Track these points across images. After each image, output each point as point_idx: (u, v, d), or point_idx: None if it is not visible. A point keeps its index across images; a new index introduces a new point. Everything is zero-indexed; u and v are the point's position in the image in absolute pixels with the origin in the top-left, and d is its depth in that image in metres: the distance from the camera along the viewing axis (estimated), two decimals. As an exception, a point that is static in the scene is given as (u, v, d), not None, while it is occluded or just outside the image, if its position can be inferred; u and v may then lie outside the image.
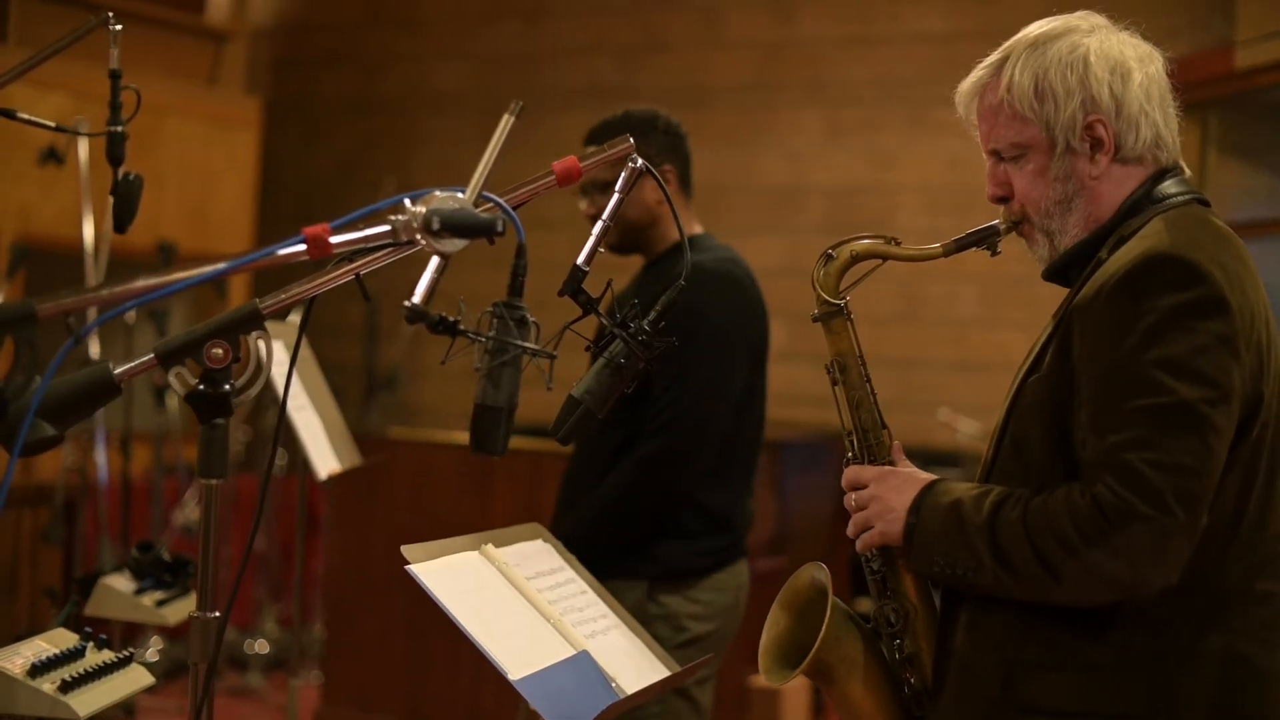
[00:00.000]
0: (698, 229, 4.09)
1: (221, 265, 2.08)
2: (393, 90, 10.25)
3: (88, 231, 6.52)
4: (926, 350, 8.26)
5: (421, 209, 2.07)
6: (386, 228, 2.10)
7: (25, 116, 3.32)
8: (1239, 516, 2.29)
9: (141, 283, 2.03)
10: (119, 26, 3.26)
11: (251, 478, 7.93)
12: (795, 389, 8.52)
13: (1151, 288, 2.24)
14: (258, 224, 9.36)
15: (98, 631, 2.98)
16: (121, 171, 3.33)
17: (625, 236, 3.96)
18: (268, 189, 9.72)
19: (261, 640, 7.61)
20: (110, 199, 3.34)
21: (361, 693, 5.95)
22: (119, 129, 3.32)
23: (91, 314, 2.39)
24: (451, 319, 2.12)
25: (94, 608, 3.83)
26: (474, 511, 5.70)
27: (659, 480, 3.78)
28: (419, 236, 2.06)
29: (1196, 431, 2.19)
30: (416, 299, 2.10)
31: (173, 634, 7.06)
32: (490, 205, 2.15)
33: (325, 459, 4.50)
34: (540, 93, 9.64)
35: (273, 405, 6.87)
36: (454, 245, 2.09)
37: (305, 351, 4.88)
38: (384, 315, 9.24)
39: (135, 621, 4.04)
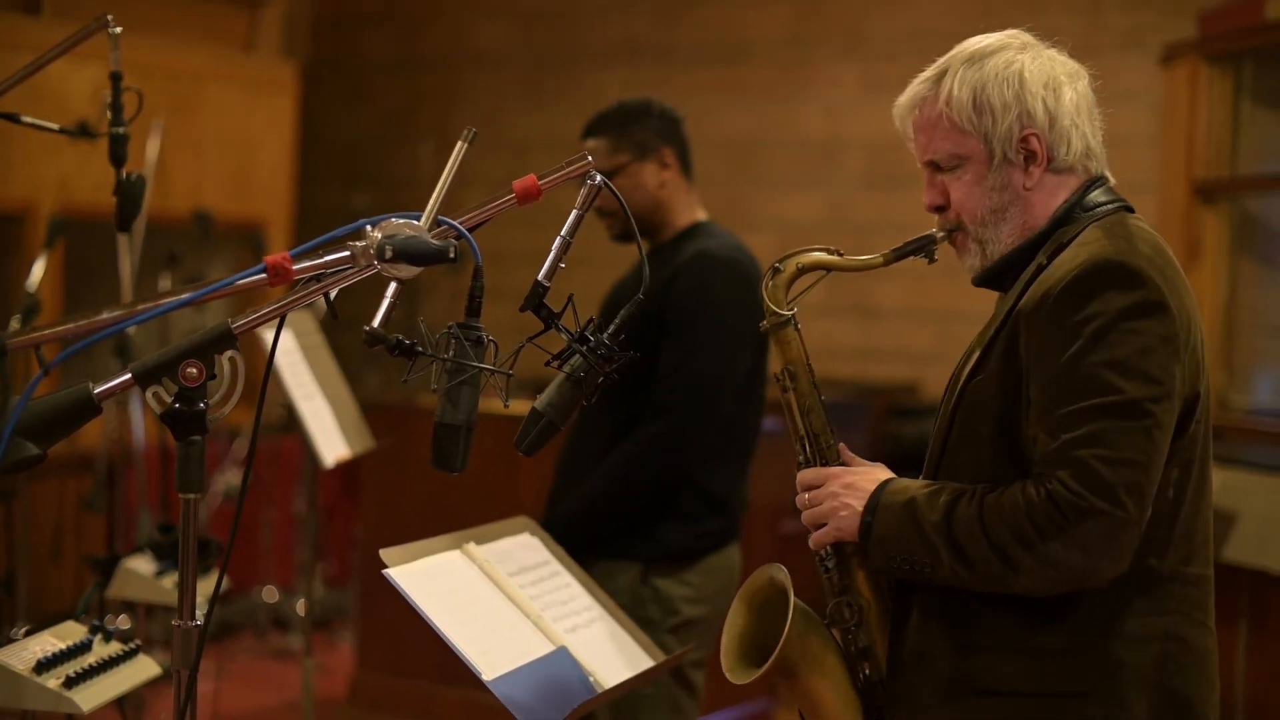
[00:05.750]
0: (701, 215, 4.08)
1: (185, 295, 2.15)
2: (434, 48, 10.29)
3: (123, 203, 6.59)
4: (966, 303, 8.25)
5: (378, 235, 2.15)
6: (346, 254, 2.18)
7: (29, 120, 3.41)
8: (1177, 506, 2.43)
9: (107, 315, 2.10)
10: (119, 30, 3.32)
11: (294, 439, 8.02)
12: (832, 343, 8.56)
13: (1096, 292, 2.35)
14: (299, 187, 9.43)
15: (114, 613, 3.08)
16: (124, 171, 3.41)
17: (630, 225, 3.90)
18: (311, 151, 9.80)
19: (303, 601, 7.72)
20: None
21: (395, 657, 6.06)
22: (120, 130, 3.40)
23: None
24: (409, 341, 2.19)
25: (116, 590, 3.94)
26: (503, 478, 5.77)
27: (660, 461, 3.81)
28: (375, 263, 2.14)
29: (1143, 428, 2.31)
30: (375, 323, 2.17)
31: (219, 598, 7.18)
32: (446, 229, 2.21)
33: (333, 446, 4.60)
34: (579, 48, 9.67)
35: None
36: (409, 271, 2.16)
37: (317, 339, 4.97)
38: (424, 273, 9.30)
39: (157, 603, 4.14)
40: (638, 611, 3.60)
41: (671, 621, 3.80)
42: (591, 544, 3.33)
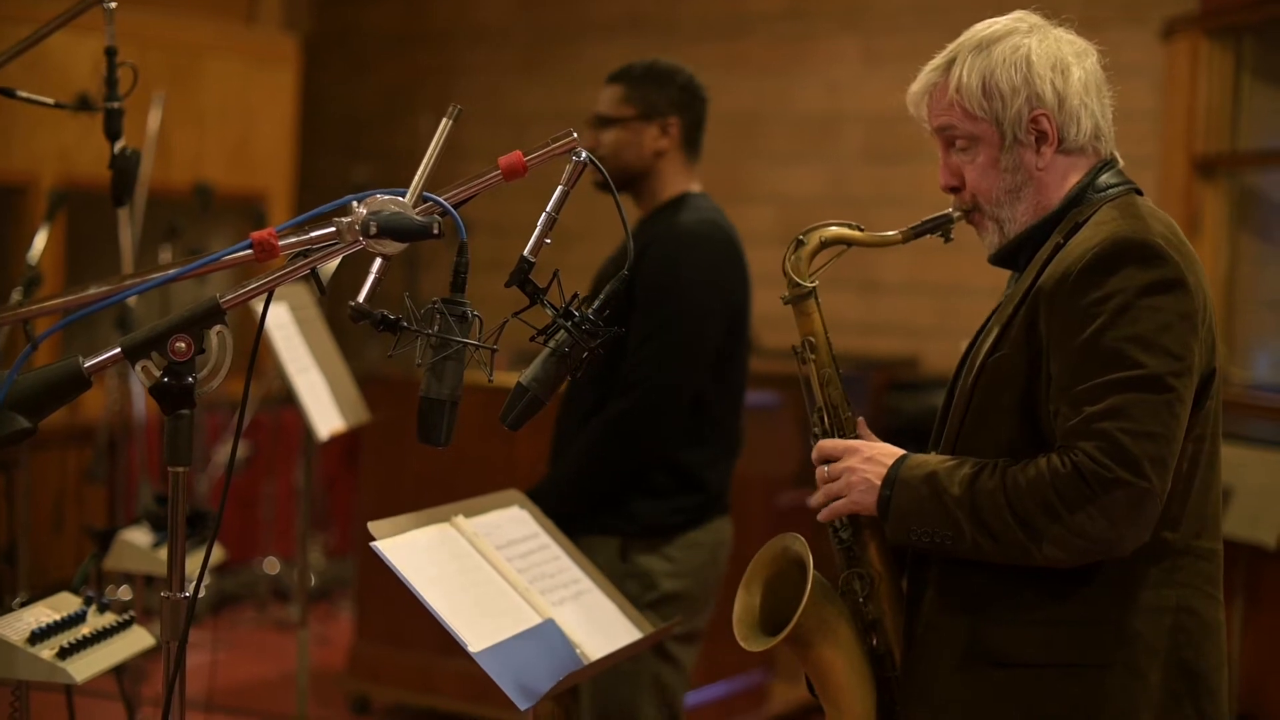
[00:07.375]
0: (695, 187, 4.04)
1: (172, 271, 2.17)
2: (436, 21, 10.29)
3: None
4: (967, 278, 8.29)
5: (363, 211, 2.17)
6: (332, 229, 2.20)
7: (24, 95, 3.43)
8: (1190, 481, 2.48)
9: (94, 290, 2.13)
10: (114, 4, 3.33)
11: (295, 411, 8.05)
12: (833, 316, 8.51)
13: (1117, 269, 2.41)
14: (300, 159, 9.44)
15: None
16: (119, 145, 3.43)
17: (618, 179, 3.88)
18: (312, 124, 9.80)
19: (299, 572, 7.75)
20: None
21: (394, 628, 6.09)
22: (115, 105, 3.42)
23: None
24: (394, 317, 2.21)
25: (113, 562, 3.98)
26: (500, 450, 5.77)
27: (628, 439, 3.81)
28: (360, 239, 2.16)
29: (1165, 402, 2.37)
30: (360, 298, 2.19)
31: (219, 569, 7.21)
32: (430, 205, 2.23)
33: (327, 419, 4.62)
34: (580, 23, 9.66)
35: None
36: (394, 247, 2.18)
37: (312, 312, 4.99)
38: (425, 246, 9.32)
39: (154, 574, 4.18)
40: (617, 586, 3.61)
41: (650, 596, 3.80)
42: (568, 522, 3.36)
